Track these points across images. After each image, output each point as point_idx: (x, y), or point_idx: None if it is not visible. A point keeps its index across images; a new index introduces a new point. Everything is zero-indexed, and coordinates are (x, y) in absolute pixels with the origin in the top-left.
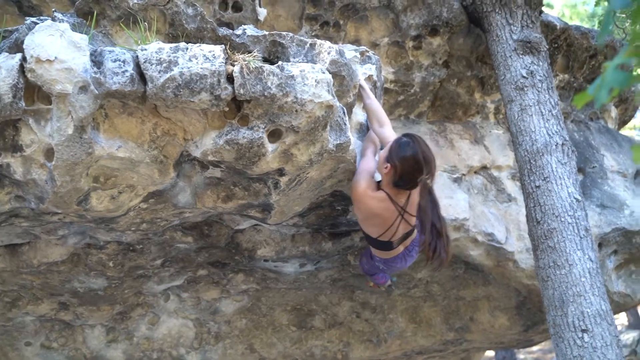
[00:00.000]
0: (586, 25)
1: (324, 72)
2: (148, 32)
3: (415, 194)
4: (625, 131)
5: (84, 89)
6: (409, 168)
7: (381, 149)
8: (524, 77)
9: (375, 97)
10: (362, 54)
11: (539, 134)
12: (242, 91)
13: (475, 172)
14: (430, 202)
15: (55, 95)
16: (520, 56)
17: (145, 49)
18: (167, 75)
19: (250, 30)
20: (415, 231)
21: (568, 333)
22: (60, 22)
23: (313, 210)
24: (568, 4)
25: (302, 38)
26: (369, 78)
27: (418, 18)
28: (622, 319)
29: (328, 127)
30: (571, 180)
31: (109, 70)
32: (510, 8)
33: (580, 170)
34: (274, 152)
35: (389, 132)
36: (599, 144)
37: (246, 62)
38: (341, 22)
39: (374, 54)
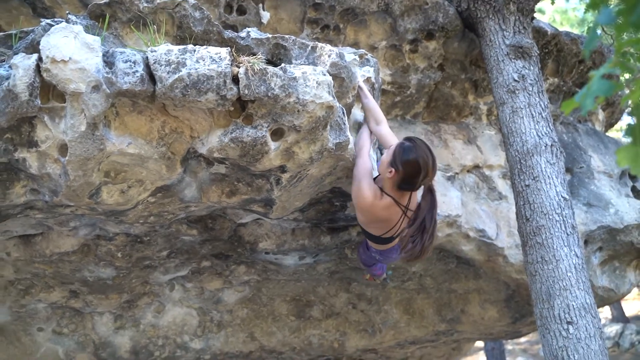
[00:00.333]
0: (576, 31)
1: (324, 74)
2: (157, 34)
3: (417, 192)
4: (612, 133)
5: (96, 88)
6: (413, 172)
7: (379, 147)
8: (515, 80)
9: (373, 97)
10: (361, 56)
11: (529, 135)
12: (246, 92)
13: (468, 171)
14: (430, 202)
15: (69, 94)
16: (512, 60)
17: (155, 51)
18: (176, 76)
19: (254, 33)
20: None
21: (554, 325)
22: (74, 24)
23: (313, 206)
24: (559, 10)
25: (303, 41)
26: (367, 80)
27: (415, 23)
28: (606, 312)
29: (328, 127)
30: (559, 180)
31: (120, 71)
32: (504, 14)
33: (568, 170)
34: (276, 150)
35: (386, 130)
36: (586, 146)
37: (251, 64)
38: (341, 25)
39: (372, 56)
